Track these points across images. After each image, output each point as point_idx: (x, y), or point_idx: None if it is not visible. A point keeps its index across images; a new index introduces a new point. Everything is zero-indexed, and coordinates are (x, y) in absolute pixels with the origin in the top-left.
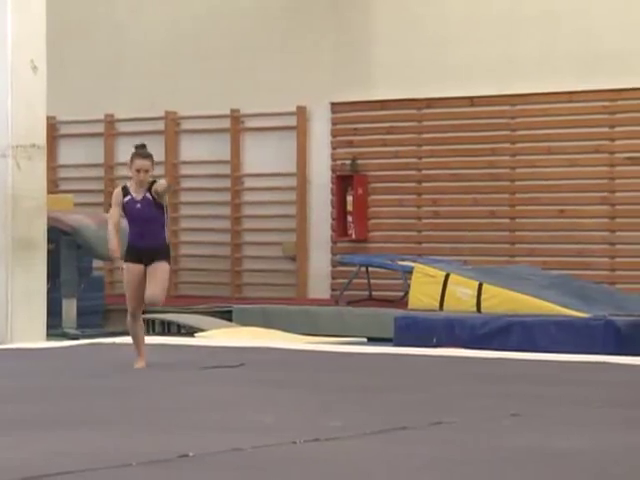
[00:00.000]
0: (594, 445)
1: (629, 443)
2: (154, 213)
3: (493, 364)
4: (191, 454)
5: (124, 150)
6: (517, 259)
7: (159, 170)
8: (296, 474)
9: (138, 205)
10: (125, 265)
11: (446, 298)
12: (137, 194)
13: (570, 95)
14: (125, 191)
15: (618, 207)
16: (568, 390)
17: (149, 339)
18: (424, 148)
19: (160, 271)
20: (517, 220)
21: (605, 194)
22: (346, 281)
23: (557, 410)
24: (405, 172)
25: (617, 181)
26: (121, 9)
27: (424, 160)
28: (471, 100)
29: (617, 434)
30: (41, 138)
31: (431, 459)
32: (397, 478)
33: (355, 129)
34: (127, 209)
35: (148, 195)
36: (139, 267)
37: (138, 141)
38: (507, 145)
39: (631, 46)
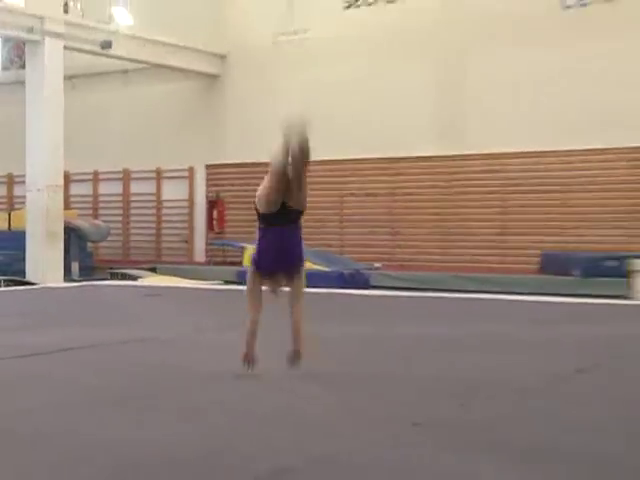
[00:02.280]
0: (349, 333)
1: (393, 332)
2: None
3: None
4: (141, 339)
5: (104, 188)
6: None
7: (116, 199)
8: (194, 353)
9: None
10: None
11: None
12: None
13: (360, 161)
14: None
15: (345, 219)
16: (321, 306)
17: (114, 282)
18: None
19: None
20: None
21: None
22: (212, 251)
23: (321, 318)
24: (242, 199)
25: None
26: (95, 112)
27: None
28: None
29: (370, 328)
30: (60, 181)
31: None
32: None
33: (217, 178)
34: None
35: None
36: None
37: (109, 185)
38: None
39: (405, 133)
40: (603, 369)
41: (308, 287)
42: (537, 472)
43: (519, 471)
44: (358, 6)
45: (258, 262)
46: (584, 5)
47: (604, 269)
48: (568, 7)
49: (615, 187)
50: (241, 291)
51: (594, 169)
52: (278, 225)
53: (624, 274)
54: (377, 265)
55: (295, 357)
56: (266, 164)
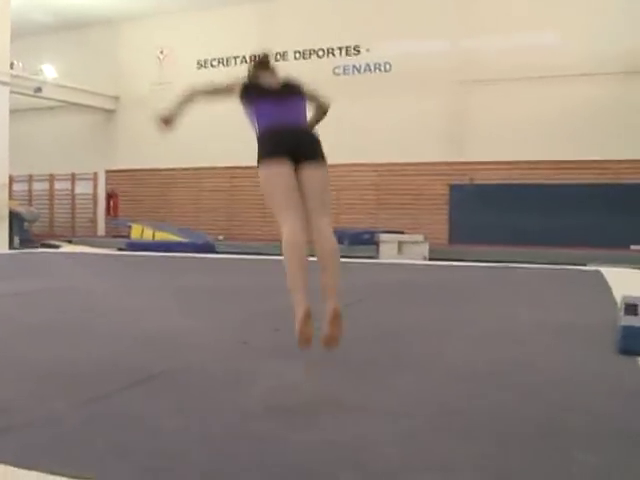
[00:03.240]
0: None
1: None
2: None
3: (163, 259)
4: (63, 287)
5: (36, 186)
6: (167, 220)
7: (44, 194)
8: (99, 296)
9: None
10: (264, 169)
11: (144, 235)
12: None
13: (206, 169)
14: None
15: (201, 208)
16: (182, 265)
17: (43, 250)
18: (140, 188)
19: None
20: (167, 209)
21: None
22: (109, 228)
23: (183, 273)
24: (129, 193)
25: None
26: (31, 135)
27: (139, 190)
28: (169, 170)
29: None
30: (6, 181)
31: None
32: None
33: (113, 178)
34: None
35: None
36: (286, 167)
37: (40, 184)
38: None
39: (231, 148)
40: (363, 303)
41: (173, 252)
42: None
43: (302, 367)
44: (206, 67)
45: (262, 146)
46: (347, 74)
47: (363, 240)
48: (337, 74)
49: (368, 188)
50: (128, 255)
51: (354, 177)
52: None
53: (374, 243)
54: (220, 237)
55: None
56: (143, 170)
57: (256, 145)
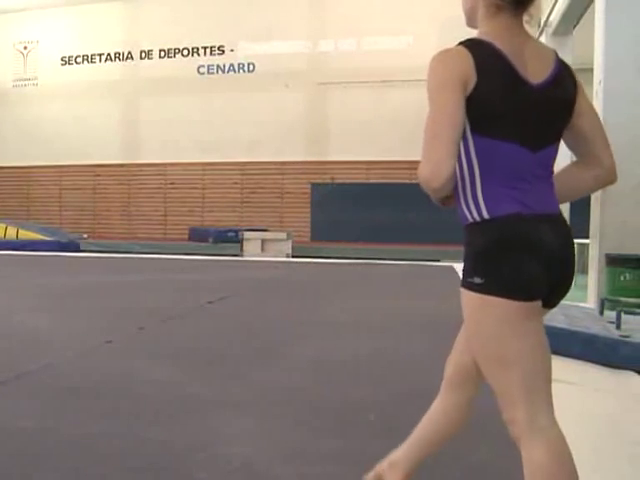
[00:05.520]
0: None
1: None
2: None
3: (28, 257)
4: None
5: None
6: (30, 219)
7: None
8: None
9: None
10: (502, 311)
11: (7, 234)
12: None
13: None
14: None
15: (63, 206)
16: (49, 264)
17: None
18: (1, 186)
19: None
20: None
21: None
22: None
23: (51, 272)
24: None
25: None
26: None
27: (0, 187)
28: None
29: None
30: None
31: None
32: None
33: None
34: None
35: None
36: (540, 316)
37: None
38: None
39: (101, 147)
40: (227, 300)
41: (37, 251)
42: (173, 363)
43: (165, 364)
44: (71, 64)
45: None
46: (211, 74)
47: (227, 238)
48: (202, 74)
49: (232, 186)
50: None
51: (218, 175)
52: (518, 140)
53: (239, 240)
54: (85, 236)
55: None
56: (4, 167)
57: (474, 244)
